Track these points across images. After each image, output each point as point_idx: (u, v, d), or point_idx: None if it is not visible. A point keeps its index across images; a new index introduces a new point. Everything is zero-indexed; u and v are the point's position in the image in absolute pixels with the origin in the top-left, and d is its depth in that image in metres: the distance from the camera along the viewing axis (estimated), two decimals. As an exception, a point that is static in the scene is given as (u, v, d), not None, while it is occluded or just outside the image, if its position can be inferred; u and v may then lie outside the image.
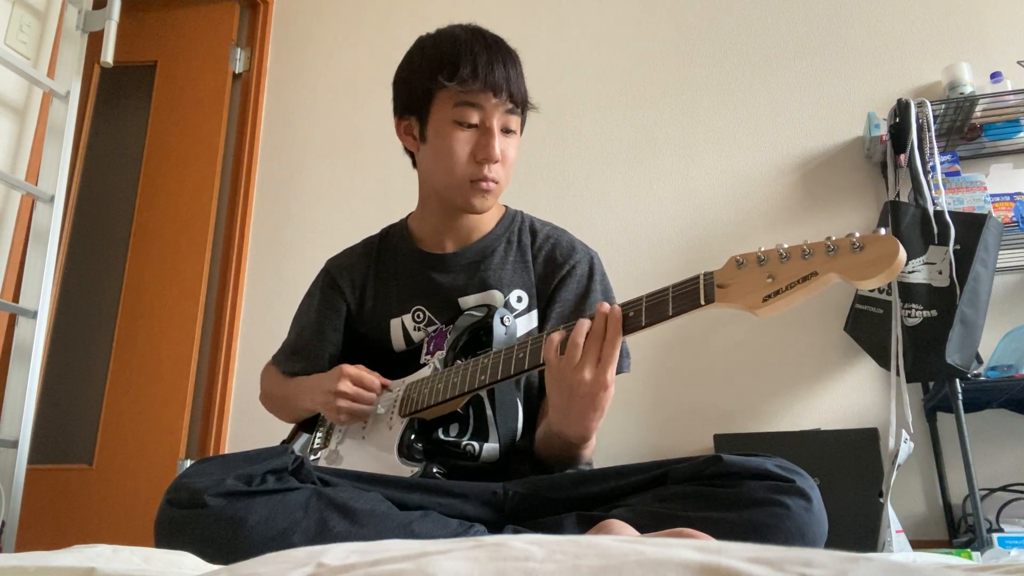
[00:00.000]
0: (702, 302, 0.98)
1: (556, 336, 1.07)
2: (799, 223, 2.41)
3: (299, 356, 1.45)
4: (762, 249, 0.96)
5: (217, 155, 2.82)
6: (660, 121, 2.61)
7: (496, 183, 1.27)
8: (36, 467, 2.05)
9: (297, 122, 2.91)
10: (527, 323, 1.32)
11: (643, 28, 2.72)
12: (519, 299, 1.33)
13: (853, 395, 2.25)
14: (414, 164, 1.38)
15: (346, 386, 1.25)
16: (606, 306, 1.05)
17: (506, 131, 1.27)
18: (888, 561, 0.43)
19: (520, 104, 1.28)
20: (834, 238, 0.90)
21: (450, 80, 1.23)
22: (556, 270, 1.35)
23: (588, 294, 1.33)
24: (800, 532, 0.94)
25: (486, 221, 1.38)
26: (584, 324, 1.05)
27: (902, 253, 0.85)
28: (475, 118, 1.24)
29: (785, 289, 0.91)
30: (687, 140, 2.58)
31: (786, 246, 0.94)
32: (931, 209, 2.02)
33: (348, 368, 1.27)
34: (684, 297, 1.00)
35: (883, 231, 0.88)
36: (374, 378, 1.28)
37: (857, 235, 0.88)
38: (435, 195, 1.35)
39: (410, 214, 1.46)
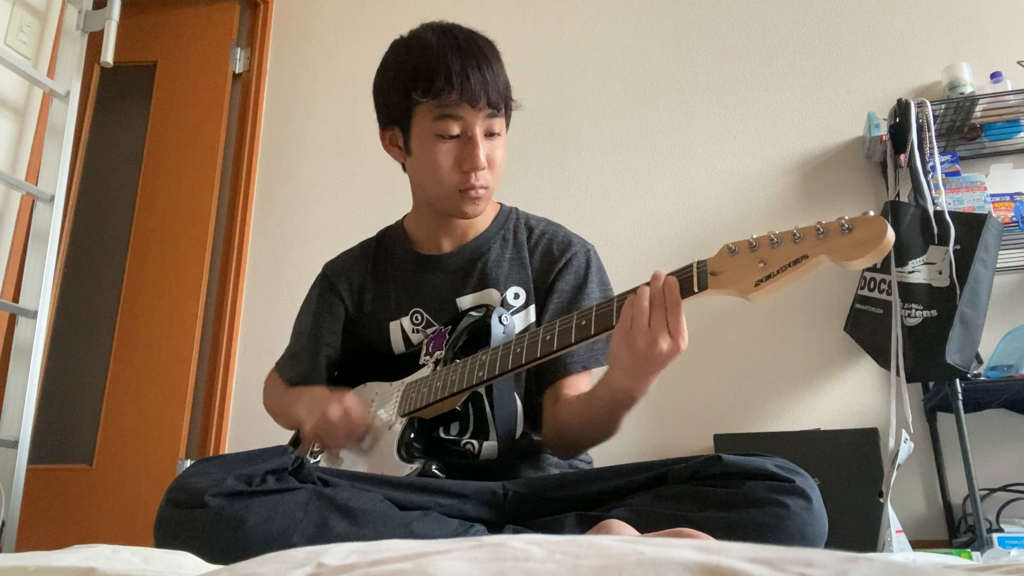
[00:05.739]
0: (695, 289, 0.99)
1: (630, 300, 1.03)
2: (798, 223, 2.38)
3: (297, 361, 1.45)
4: (754, 236, 0.97)
5: (217, 155, 2.82)
6: (660, 121, 2.61)
7: (485, 188, 1.27)
8: (36, 467, 2.05)
9: (297, 122, 2.91)
10: (524, 319, 1.32)
11: (643, 28, 2.72)
12: (516, 296, 1.33)
13: (853, 395, 2.25)
14: (404, 169, 1.38)
15: (335, 412, 1.21)
16: (660, 272, 1.02)
17: (490, 135, 1.26)
18: (888, 561, 0.43)
19: (501, 106, 1.26)
20: (824, 222, 0.91)
21: (425, 96, 1.21)
22: (553, 263, 1.34)
23: (585, 285, 1.33)
24: (800, 532, 0.94)
25: (481, 220, 1.38)
26: (645, 291, 1.02)
27: (890, 232, 0.87)
28: (456, 129, 1.23)
29: (776, 273, 0.92)
30: (687, 140, 2.58)
31: (777, 232, 0.94)
32: (931, 209, 2.02)
33: (348, 398, 1.24)
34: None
35: (871, 212, 0.89)
36: (361, 415, 1.23)
37: (846, 217, 0.90)
38: (427, 202, 1.35)
39: (406, 216, 1.46)
